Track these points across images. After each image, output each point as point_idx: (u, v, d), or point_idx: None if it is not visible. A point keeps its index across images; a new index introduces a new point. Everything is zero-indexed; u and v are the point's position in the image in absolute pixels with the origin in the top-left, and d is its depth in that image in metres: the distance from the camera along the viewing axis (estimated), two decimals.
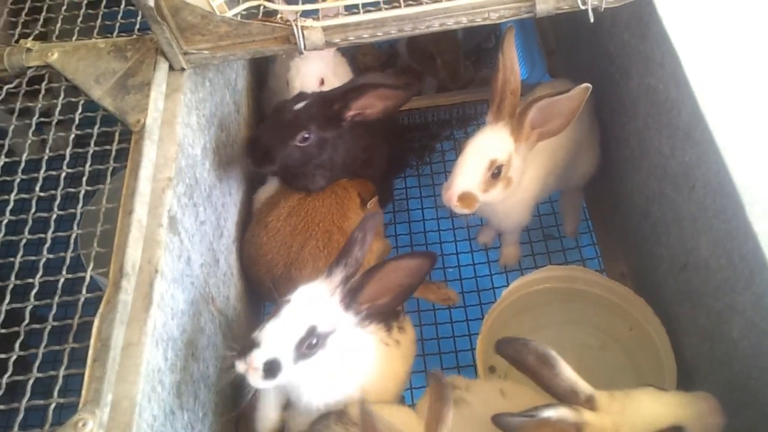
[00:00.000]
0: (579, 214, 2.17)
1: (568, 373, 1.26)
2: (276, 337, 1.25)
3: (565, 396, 1.25)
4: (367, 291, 1.30)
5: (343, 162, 1.81)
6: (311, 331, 1.25)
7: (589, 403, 1.23)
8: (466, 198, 1.62)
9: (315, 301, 1.30)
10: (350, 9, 1.44)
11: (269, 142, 1.64)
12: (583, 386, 1.26)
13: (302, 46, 1.41)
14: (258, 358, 1.22)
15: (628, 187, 1.84)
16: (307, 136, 1.65)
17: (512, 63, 1.62)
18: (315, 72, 1.86)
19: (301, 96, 1.70)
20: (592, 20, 1.44)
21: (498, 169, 1.61)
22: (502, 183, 1.64)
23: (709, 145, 1.31)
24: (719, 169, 1.29)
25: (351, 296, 1.30)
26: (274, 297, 1.79)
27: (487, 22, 1.46)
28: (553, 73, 2.41)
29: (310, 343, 1.25)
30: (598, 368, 1.76)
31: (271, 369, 1.23)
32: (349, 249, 1.34)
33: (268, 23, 1.40)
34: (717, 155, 1.28)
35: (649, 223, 1.73)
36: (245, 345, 1.25)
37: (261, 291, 1.83)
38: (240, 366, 1.23)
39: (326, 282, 1.33)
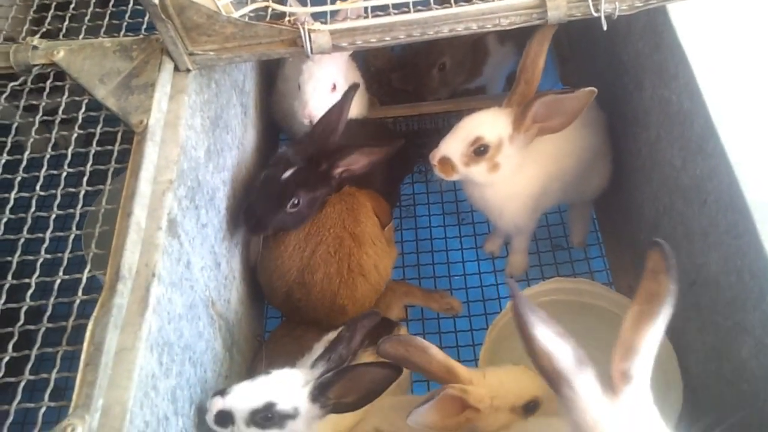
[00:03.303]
0: (588, 225, 2.14)
1: (440, 356, 1.36)
2: (239, 395, 1.36)
3: (446, 378, 1.36)
4: (338, 387, 1.36)
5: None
6: (268, 407, 1.35)
7: (467, 381, 1.37)
8: (445, 163, 1.69)
9: (286, 383, 1.39)
10: (375, 11, 1.42)
11: (261, 212, 1.67)
12: (458, 366, 1.38)
13: (309, 50, 1.40)
14: (216, 404, 1.35)
15: (639, 199, 1.81)
16: (296, 202, 1.68)
17: (537, 55, 1.62)
18: (327, 77, 1.85)
19: (287, 161, 1.70)
20: (605, 28, 1.42)
21: (483, 147, 1.65)
22: (486, 164, 1.68)
23: (721, 158, 1.29)
24: (731, 184, 1.26)
25: (321, 390, 1.36)
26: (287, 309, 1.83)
27: (498, 28, 1.44)
28: (565, 81, 2.38)
29: (265, 416, 1.35)
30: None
31: (223, 419, 1.35)
32: (335, 346, 1.42)
33: (275, 25, 1.39)
34: (729, 169, 1.26)
35: (659, 237, 1.69)
36: (225, 388, 1.38)
37: (272, 299, 1.83)
38: (208, 402, 1.36)
39: (307, 372, 1.40)
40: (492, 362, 1.72)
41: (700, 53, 1.39)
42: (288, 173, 1.67)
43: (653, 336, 1.00)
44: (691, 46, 1.41)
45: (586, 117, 1.78)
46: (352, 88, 1.75)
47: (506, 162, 1.68)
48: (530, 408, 1.40)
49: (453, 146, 1.68)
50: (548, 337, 1.01)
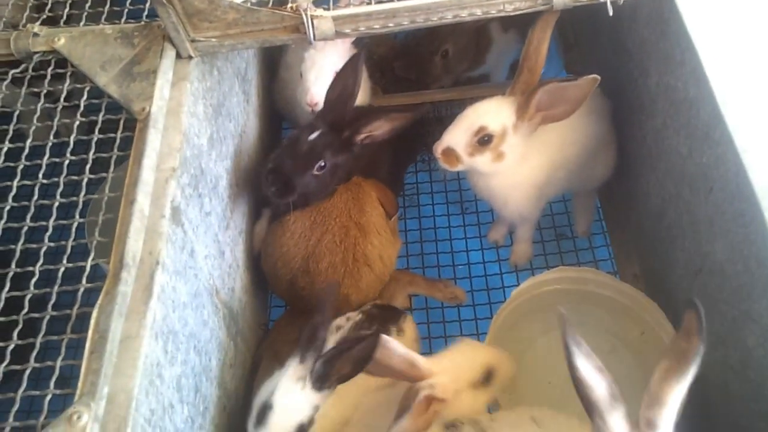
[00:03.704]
0: (592, 214, 2.13)
1: (400, 350, 1.37)
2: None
3: (409, 372, 1.38)
4: (336, 367, 1.32)
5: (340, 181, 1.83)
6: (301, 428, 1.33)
7: (429, 373, 1.38)
8: (449, 154, 1.68)
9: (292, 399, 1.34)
10: None
11: (289, 172, 1.65)
12: (419, 358, 1.39)
13: (312, 36, 1.38)
14: None
15: (644, 187, 1.80)
16: (323, 164, 1.67)
17: (540, 42, 1.61)
18: (330, 65, 1.83)
19: (312, 126, 1.70)
20: (611, 13, 1.41)
21: (487, 137, 1.64)
22: (491, 154, 1.67)
23: (728, 146, 1.28)
24: (738, 172, 1.25)
25: (323, 378, 1.32)
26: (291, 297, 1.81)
27: (502, 14, 1.43)
28: (569, 69, 2.37)
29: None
30: (609, 372, 1.72)
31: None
32: (314, 333, 1.35)
33: (277, 11, 1.38)
34: (736, 157, 1.25)
35: (665, 225, 1.69)
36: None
37: (276, 287, 1.82)
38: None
39: (298, 369, 1.34)
40: None
41: (706, 40, 1.38)
42: (314, 135, 1.67)
43: (679, 391, 1.08)
44: (698, 33, 1.39)
45: (590, 105, 1.77)
46: (358, 54, 1.72)
47: (510, 151, 1.68)
48: (488, 378, 1.45)
49: (457, 137, 1.67)
50: (588, 369, 1.10)
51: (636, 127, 1.81)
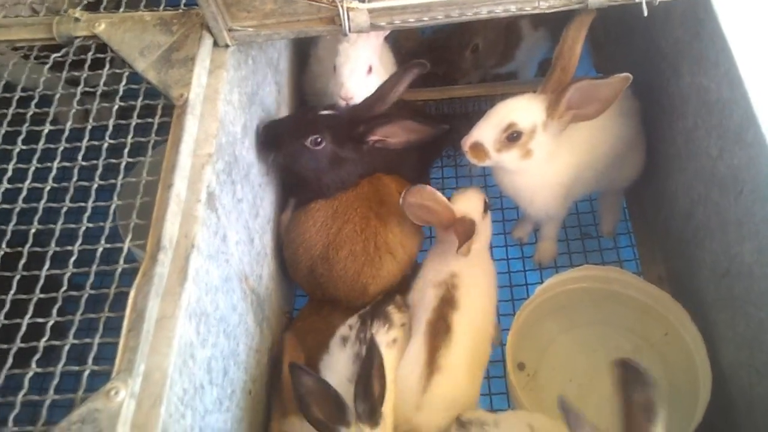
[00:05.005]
0: (618, 214, 2.13)
1: (436, 196, 1.67)
2: None
3: (443, 211, 1.71)
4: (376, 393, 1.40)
5: (364, 176, 1.84)
6: None
7: (455, 209, 1.74)
8: (477, 149, 1.69)
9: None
10: None
11: (282, 131, 1.67)
12: (446, 201, 1.71)
13: (347, 28, 1.40)
14: None
15: (672, 188, 1.80)
16: (318, 140, 1.67)
17: (574, 42, 1.61)
18: (364, 59, 1.84)
19: (335, 107, 1.72)
20: (645, 14, 1.40)
21: (516, 133, 1.65)
22: (519, 150, 1.67)
23: (761, 148, 1.28)
24: None
25: (371, 414, 1.37)
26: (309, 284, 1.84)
27: (537, 11, 1.43)
28: (599, 68, 2.36)
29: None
30: None
31: None
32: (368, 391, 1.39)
33: (314, 3, 1.39)
34: None
35: (692, 227, 1.68)
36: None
37: (296, 273, 1.84)
38: None
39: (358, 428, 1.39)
40: (519, 348, 1.73)
41: (741, 41, 1.37)
42: (324, 112, 1.69)
43: None
44: (733, 35, 1.39)
45: (621, 106, 1.77)
46: (418, 65, 1.74)
47: (539, 149, 1.68)
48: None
49: (486, 132, 1.67)
50: None
51: (666, 128, 1.80)
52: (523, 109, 1.66)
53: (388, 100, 1.73)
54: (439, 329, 1.60)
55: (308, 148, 1.68)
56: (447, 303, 1.64)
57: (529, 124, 1.65)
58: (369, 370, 1.38)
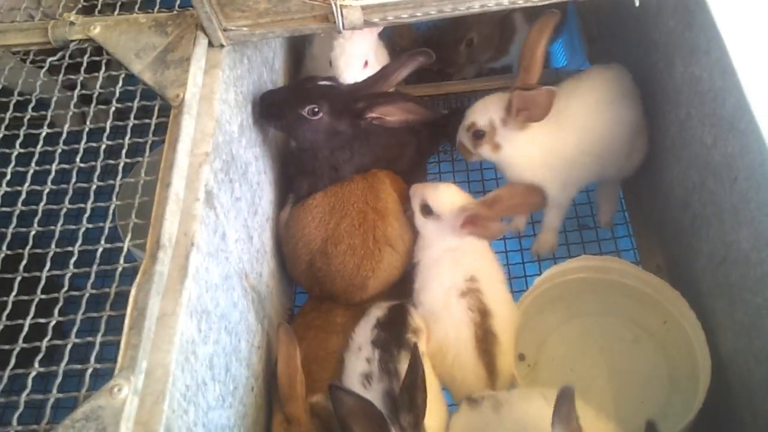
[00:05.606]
0: (616, 205, 2.13)
1: (518, 189, 1.82)
2: None
3: (533, 197, 1.85)
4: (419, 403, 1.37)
5: (362, 166, 1.87)
6: None
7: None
8: (461, 147, 1.89)
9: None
10: None
11: (281, 99, 1.69)
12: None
13: (341, 25, 1.41)
14: None
15: (668, 177, 1.81)
16: (315, 110, 1.67)
17: (535, 44, 1.72)
18: (359, 53, 1.85)
19: (334, 80, 1.74)
20: (637, 4, 1.41)
21: (478, 131, 1.82)
22: (488, 145, 1.83)
23: (754, 135, 1.28)
24: (763, 161, 1.26)
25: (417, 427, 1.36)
26: (308, 279, 1.84)
27: (529, 4, 1.44)
28: (593, 60, 2.37)
29: None
30: (631, 361, 1.74)
31: None
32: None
33: (307, 1, 1.40)
34: (762, 146, 1.25)
35: (688, 215, 1.69)
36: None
37: (295, 268, 1.85)
38: None
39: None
40: (519, 339, 1.74)
41: (733, 30, 1.38)
42: (322, 82, 1.71)
43: None
44: (724, 24, 1.40)
45: (621, 90, 1.80)
46: (423, 53, 1.77)
47: (506, 142, 1.81)
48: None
49: (461, 132, 1.87)
50: None
51: (660, 118, 1.81)
52: (479, 110, 1.83)
53: (389, 81, 1.74)
54: (489, 342, 1.65)
55: (305, 118, 1.68)
56: (483, 314, 1.66)
57: (486, 122, 1.81)
58: (414, 381, 1.35)
